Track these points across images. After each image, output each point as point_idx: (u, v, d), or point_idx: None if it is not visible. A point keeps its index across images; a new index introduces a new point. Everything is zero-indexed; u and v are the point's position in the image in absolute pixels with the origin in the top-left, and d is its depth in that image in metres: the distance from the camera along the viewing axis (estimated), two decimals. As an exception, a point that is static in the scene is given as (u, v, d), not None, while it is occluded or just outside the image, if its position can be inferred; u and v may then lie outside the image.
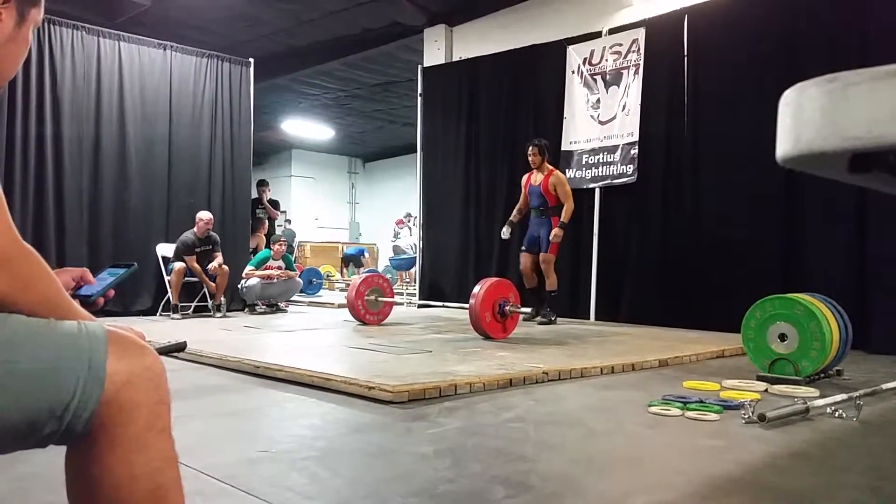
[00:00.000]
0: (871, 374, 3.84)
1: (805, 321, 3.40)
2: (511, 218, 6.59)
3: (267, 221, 9.70)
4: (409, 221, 13.11)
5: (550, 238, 6.20)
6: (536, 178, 6.34)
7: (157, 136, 7.45)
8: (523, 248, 6.47)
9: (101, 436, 0.86)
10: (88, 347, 0.86)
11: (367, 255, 15.56)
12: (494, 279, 5.28)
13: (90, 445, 0.87)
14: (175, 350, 1.39)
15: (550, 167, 6.34)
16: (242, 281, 7.73)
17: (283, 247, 8.14)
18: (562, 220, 6.20)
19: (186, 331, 5.59)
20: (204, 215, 7.24)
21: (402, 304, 7.92)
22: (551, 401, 3.09)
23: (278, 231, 10.04)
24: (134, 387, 0.88)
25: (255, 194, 9.10)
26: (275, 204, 10.33)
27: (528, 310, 5.22)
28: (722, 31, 5.93)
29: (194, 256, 7.13)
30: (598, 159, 6.78)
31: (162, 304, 7.22)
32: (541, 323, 6.22)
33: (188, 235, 7.19)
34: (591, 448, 2.33)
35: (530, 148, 6.32)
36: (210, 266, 7.17)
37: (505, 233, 6.55)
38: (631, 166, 6.51)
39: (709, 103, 6.02)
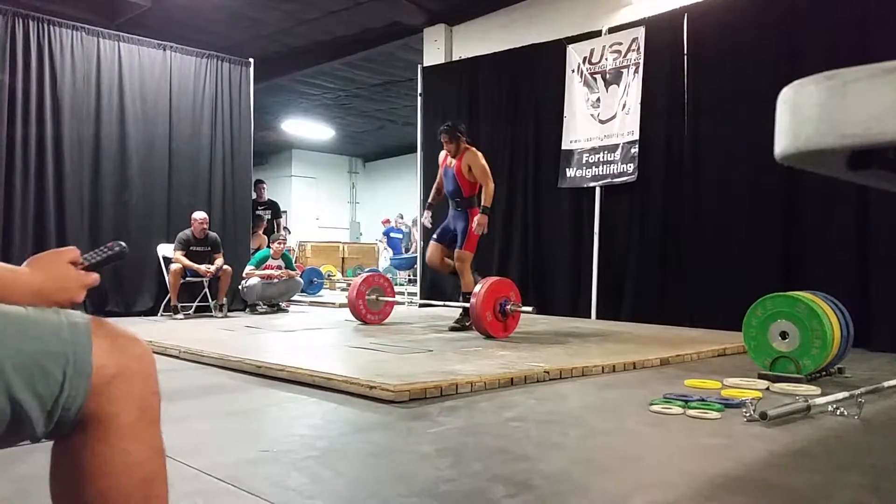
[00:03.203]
0: (872, 372, 3.84)
1: (806, 319, 3.40)
2: (430, 200, 5.88)
3: (266, 221, 9.69)
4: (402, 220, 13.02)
5: (473, 228, 5.33)
6: (451, 160, 5.52)
7: (158, 136, 7.45)
8: (434, 237, 5.69)
9: (93, 426, 0.86)
10: (71, 342, 0.85)
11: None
12: (495, 278, 5.27)
13: (81, 436, 0.87)
14: (115, 258, 1.05)
15: (467, 146, 5.47)
16: (243, 281, 7.74)
17: (283, 245, 8.14)
18: (483, 203, 5.31)
19: (188, 331, 5.59)
20: (198, 215, 7.24)
21: (402, 303, 7.91)
22: (552, 400, 3.08)
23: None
24: (125, 379, 0.88)
25: (254, 194, 9.09)
26: (274, 205, 10.32)
27: (530, 308, 5.15)
28: (722, 29, 5.93)
29: (184, 252, 7.12)
30: (599, 158, 6.77)
31: (163, 304, 7.23)
32: (452, 328, 5.47)
33: (186, 232, 7.21)
34: (592, 447, 2.33)
35: (441, 135, 5.48)
36: (208, 268, 7.15)
37: (426, 218, 5.82)
38: (631, 165, 6.50)
39: (709, 101, 6.01)
